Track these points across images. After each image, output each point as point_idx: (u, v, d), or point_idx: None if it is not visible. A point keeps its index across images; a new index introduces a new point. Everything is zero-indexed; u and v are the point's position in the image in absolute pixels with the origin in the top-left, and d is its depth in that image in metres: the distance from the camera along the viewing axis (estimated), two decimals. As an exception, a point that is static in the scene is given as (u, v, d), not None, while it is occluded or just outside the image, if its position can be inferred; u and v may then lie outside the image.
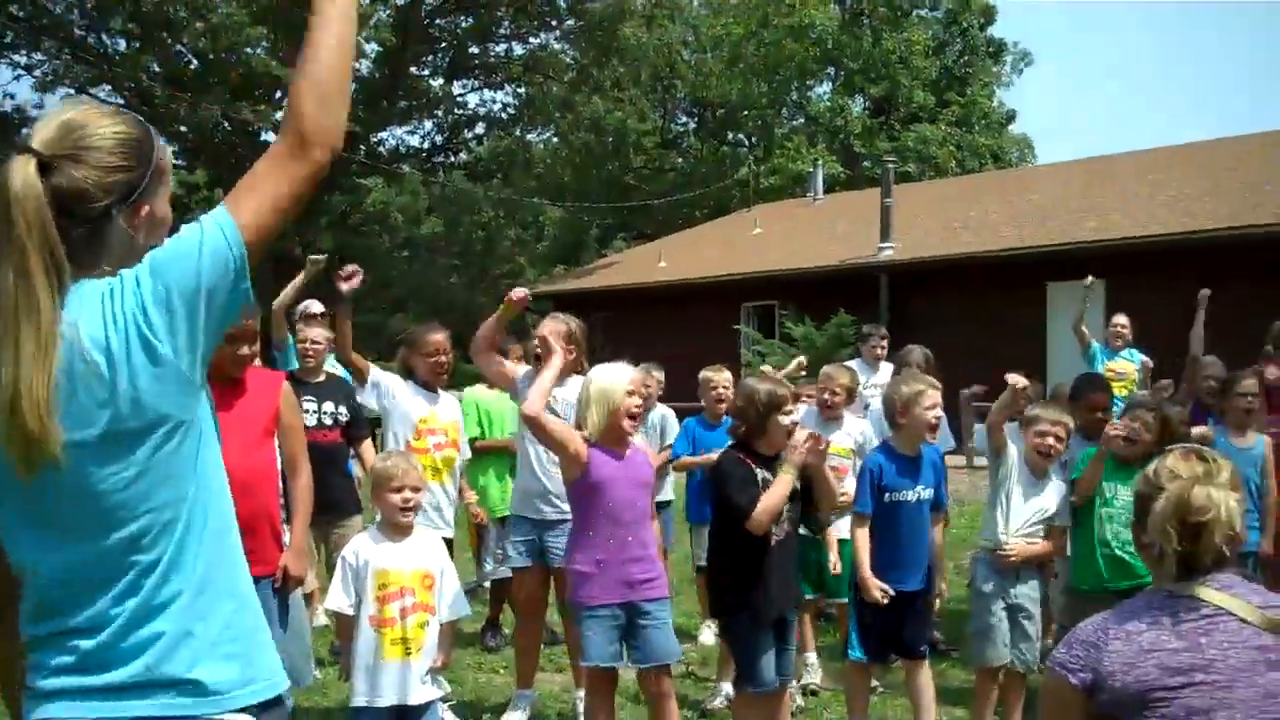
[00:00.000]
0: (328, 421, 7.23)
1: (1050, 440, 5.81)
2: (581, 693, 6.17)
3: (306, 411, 6.87)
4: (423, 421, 6.74)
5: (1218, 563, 2.56)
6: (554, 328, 6.18)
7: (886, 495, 5.77)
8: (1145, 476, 2.71)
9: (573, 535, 5.49)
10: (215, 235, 2.07)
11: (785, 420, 5.28)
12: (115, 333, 2.02)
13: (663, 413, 8.39)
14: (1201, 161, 21.06)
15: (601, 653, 5.29)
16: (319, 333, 7.56)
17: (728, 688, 6.57)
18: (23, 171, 2.01)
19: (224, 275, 2.08)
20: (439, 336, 6.85)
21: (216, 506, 2.18)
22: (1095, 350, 10.78)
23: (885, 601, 5.67)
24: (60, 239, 2.02)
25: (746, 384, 5.58)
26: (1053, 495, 5.90)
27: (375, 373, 6.86)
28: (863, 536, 5.74)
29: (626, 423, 5.33)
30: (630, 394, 5.33)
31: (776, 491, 5.17)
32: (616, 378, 5.35)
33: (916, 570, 5.83)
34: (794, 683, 6.28)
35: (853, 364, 8.83)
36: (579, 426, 5.42)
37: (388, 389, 6.77)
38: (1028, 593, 5.89)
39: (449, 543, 6.52)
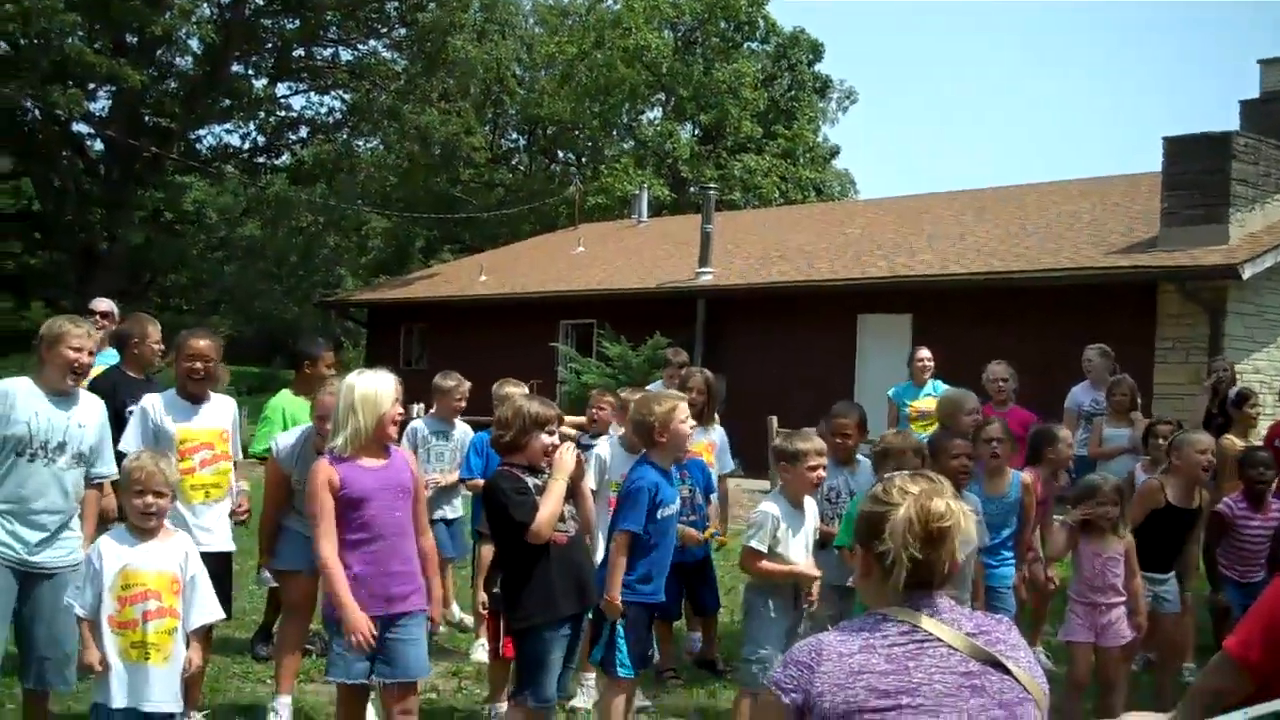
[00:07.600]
0: None
1: (820, 472, 6.02)
2: None
3: None
4: (183, 440, 6.23)
5: (950, 572, 2.58)
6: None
7: (659, 511, 5.72)
8: (873, 497, 2.70)
9: None
10: None
11: (546, 439, 5.31)
12: None
13: (465, 429, 8.31)
14: (1008, 205, 21.79)
15: (350, 668, 5.14)
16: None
17: (502, 709, 6.44)
18: None
19: None
20: (203, 343, 6.32)
21: None
22: (899, 391, 10.93)
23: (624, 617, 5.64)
24: None
25: (517, 399, 5.57)
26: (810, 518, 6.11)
27: (137, 413, 6.27)
28: (623, 555, 5.64)
29: (391, 430, 5.22)
30: (395, 401, 5.25)
31: (552, 498, 5.19)
32: (382, 385, 5.24)
33: (663, 580, 5.88)
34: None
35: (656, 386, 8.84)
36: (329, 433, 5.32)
37: (156, 411, 6.23)
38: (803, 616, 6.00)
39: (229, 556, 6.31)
